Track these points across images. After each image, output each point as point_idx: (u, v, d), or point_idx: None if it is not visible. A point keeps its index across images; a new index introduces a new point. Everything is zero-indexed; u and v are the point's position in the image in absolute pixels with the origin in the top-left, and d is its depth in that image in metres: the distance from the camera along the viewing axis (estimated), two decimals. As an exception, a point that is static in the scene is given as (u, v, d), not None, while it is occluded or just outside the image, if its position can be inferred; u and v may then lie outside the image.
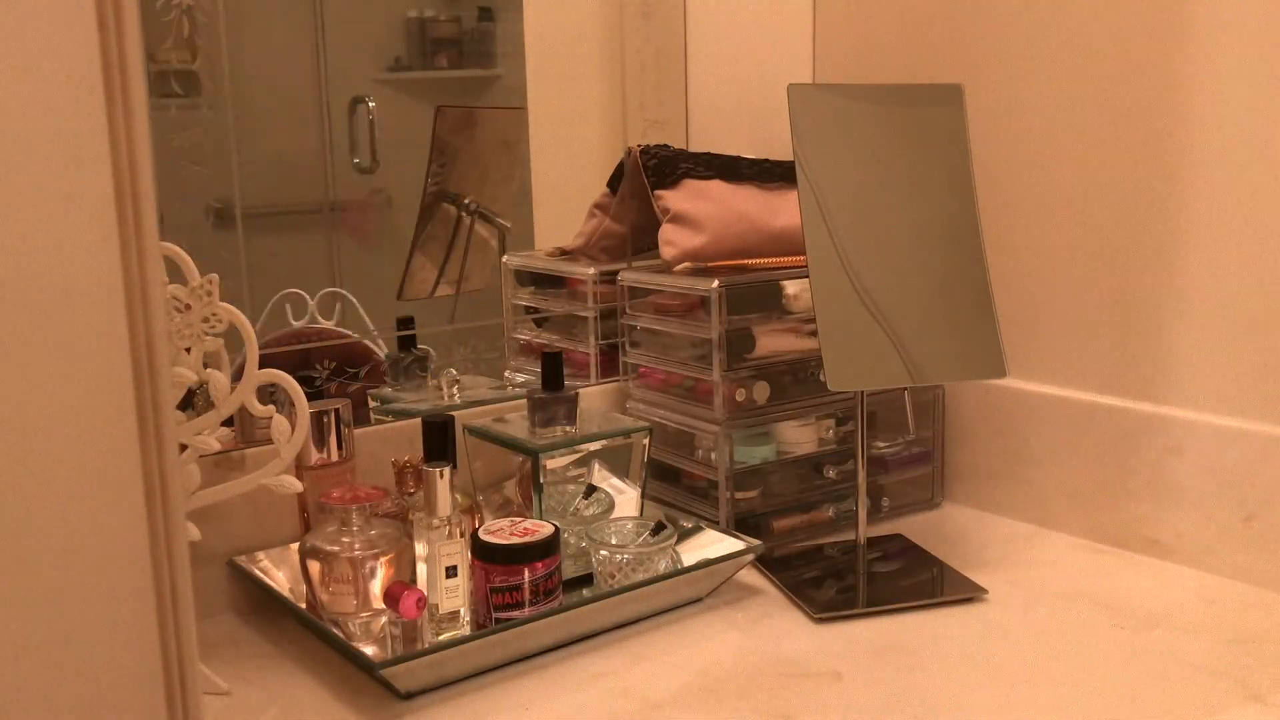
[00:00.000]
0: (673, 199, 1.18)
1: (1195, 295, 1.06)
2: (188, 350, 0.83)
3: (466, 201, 1.24)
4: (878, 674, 0.87)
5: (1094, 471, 1.13)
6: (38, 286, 0.49)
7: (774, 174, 1.24)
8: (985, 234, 1.06)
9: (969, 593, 1.01)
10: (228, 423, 0.86)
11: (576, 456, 1.05)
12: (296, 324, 1.13)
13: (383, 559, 0.91)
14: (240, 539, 1.01)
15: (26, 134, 0.49)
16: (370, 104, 1.17)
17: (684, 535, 1.07)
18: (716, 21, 1.36)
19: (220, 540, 0.99)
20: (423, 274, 1.22)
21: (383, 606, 0.90)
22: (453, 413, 1.03)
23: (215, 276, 0.83)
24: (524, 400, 1.09)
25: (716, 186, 1.20)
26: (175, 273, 0.84)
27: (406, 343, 1.18)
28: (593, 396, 1.23)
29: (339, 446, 1.01)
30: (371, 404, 1.16)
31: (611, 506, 1.07)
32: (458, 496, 0.93)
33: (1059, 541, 1.15)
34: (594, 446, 1.05)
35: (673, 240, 1.17)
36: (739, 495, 1.14)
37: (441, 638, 0.89)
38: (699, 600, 1.01)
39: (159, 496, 0.54)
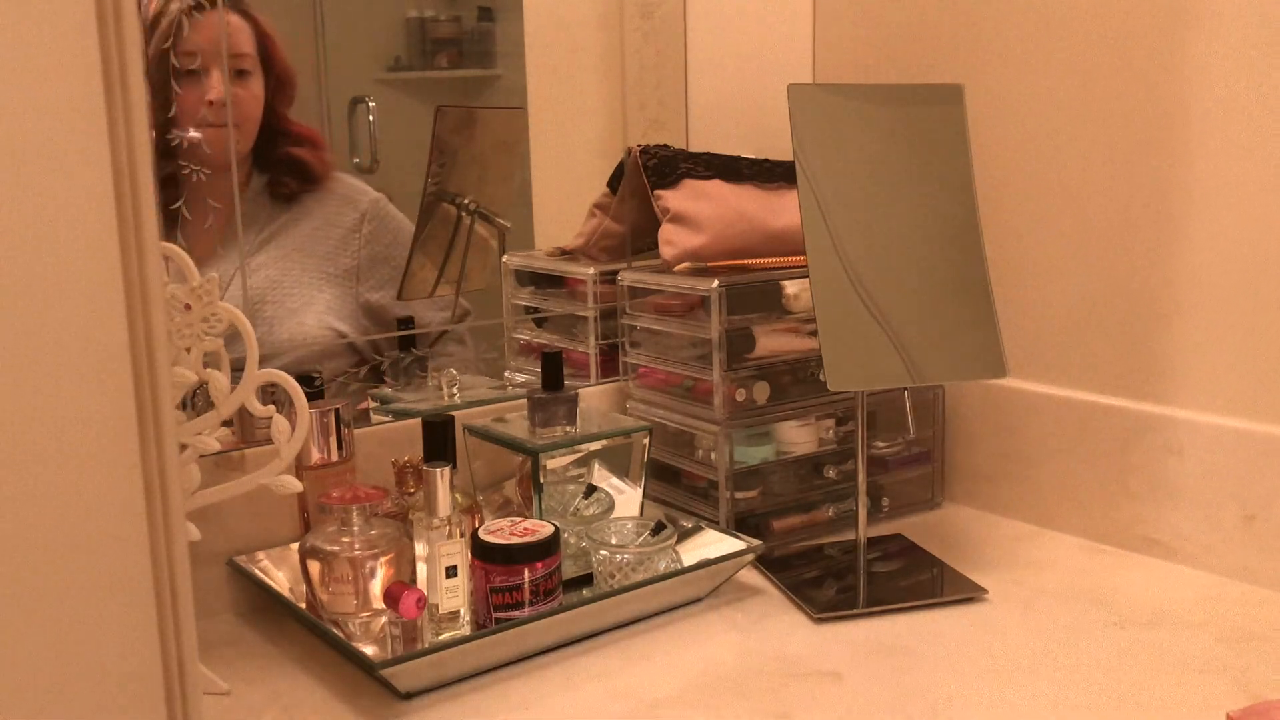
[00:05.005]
0: (673, 199, 1.18)
1: (1195, 295, 1.06)
2: (188, 350, 0.83)
3: (466, 201, 1.24)
4: (878, 674, 0.87)
5: (1094, 471, 1.13)
6: (38, 286, 0.49)
7: (774, 174, 1.24)
8: (985, 234, 1.06)
9: (969, 593, 1.01)
10: (228, 423, 0.86)
11: (576, 456, 1.05)
12: (296, 324, 1.13)
13: (383, 559, 0.91)
14: (240, 539, 1.01)
15: (26, 134, 0.49)
16: (370, 104, 1.17)
17: (684, 535, 1.07)
18: (716, 21, 1.36)
19: (220, 540, 0.99)
20: (423, 274, 1.21)
21: (383, 606, 0.90)
22: (453, 413, 1.03)
23: (215, 276, 0.83)
24: (524, 400, 1.09)
25: (716, 186, 1.20)
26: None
27: (406, 343, 1.18)
28: (593, 396, 1.23)
29: (339, 446, 1.01)
30: (371, 404, 1.16)
31: (611, 506, 1.07)
32: (458, 496, 0.93)
33: (1059, 541, 1.15)
34: (594, 446, 1.05)
35: (673, 240, 1.17)
36: (739, 495, 1.14)
37: (441, 638, 0.89)
38: (699, 600, 1.01)
39: (159, 496, 0.54)
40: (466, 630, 0.91)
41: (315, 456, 1.01)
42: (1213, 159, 1.03)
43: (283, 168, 1.10)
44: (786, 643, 0.93)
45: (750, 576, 1.06)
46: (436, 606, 0.90)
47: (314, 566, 0.91)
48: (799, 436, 1.18)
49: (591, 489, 1.07)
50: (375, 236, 1.14)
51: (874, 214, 1.03)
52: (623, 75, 1.33)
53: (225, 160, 1.05)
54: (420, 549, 0.92)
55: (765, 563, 1.08)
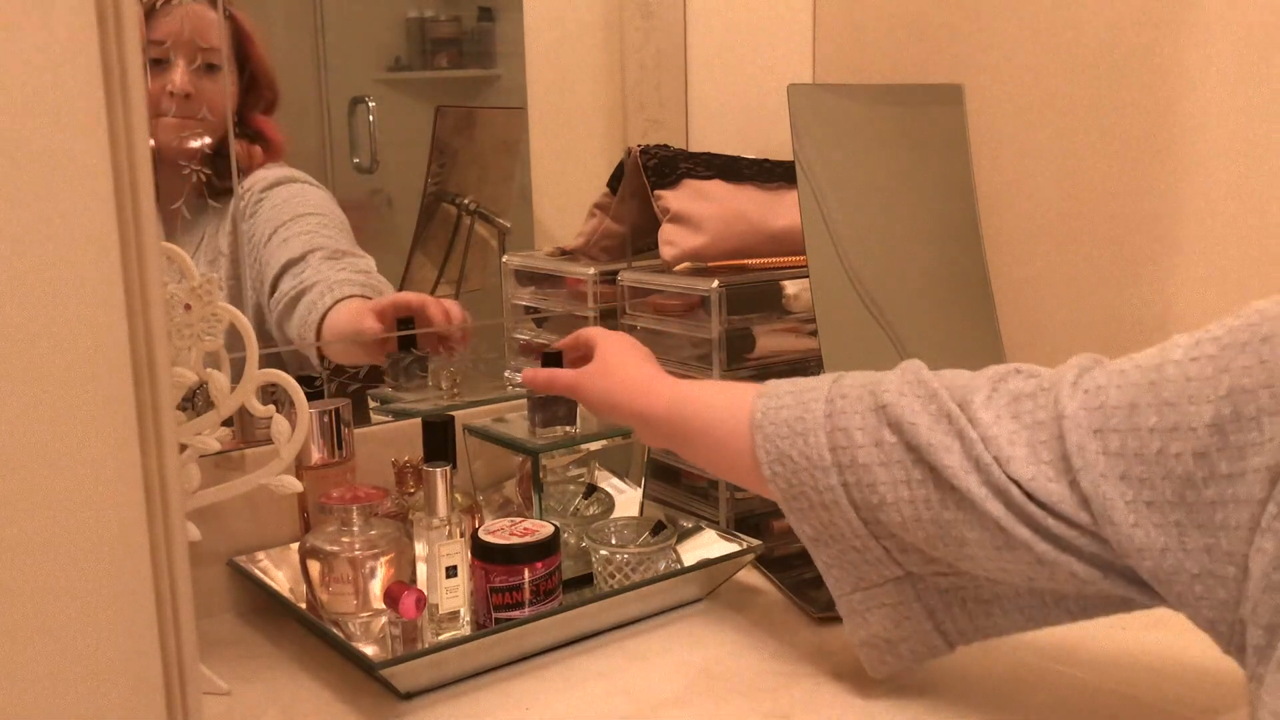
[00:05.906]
0: (673, 199, 1.18)
1: (1196, 296, 1.06)
2: (188, 350, 0.83)
3: (466, 201, 1.24)
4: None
5: (1094, 471, 1.13)
6: (38, 286, 0.49)
7: (774, 174, 1.24)
8: (985, 234, 1.06)
9: (969, 593, 1.01)
10: (228, 423, 0.86)
11: (576, 456, 1.05)
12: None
13: (383, 559, 0.91)
14: (240, 539, 1.01)
15: (26, 134, 0.49)
16: (370, 104, 1.17)
17: (684, 535, 1.07)
18: (716, 21, 1.36)
19: (220, 540, 0.99)
20: (423, 274, 1.22)
21: (383, 606, 0.90)
22: (453, 413, 1.03)
23: (215, 276, 0.83)
24: (524, 400, 1.09)
25: (716, 186, 1.20)
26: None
27: (406, 343, 1.18)
28: (593, 396, 1.23)
29: (339, 446, 1.01)
30: (371, 404, 1.16)
31: (612, 506, 1.07)
32: (458, 496, 0.93)
33: (1059, 541, 1.14)
34: (594, 446, 1.05)
35: (673, 240, 1.17)
36: (739, 495, 1.14)
37: (441, 638, 0.89)
38: (699, 600, 1.01)
39: (159, 496, 0.54)
40: (466, 630, 0.91)
41: (315, 456, 1.01)
42: (1213, 157, 1.03)
43: (219, 164, 1.05)
44: (786, 643, 0.93)
45: (750, 576, 1.06)
46: (436, 606, 0.90)
47: (314, 566, 0.91)
48: (799, 436, 1.17)
49: (591, 489, 1.07)
50: (254, 226, 1.07)
51: (874, 214, 1.03)
52: (623, 75, 1.33)
53: (184, 153, 1.04)
54: (420, 549, 0.92)
55: (765, 563, 1.08)
